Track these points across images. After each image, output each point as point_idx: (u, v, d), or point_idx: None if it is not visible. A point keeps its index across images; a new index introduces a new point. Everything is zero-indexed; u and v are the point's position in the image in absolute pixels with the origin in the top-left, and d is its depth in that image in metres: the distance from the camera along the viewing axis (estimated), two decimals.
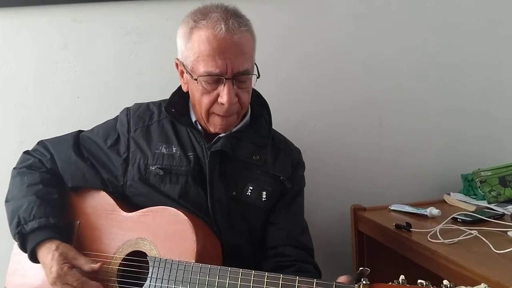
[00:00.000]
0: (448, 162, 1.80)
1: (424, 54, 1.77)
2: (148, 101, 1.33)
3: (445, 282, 0.83)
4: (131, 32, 1.60)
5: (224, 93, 1.14)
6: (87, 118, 1.51)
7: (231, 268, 1.00)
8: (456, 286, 0.82)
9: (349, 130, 1.74)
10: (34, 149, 1.31)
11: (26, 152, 1.31)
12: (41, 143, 1.32)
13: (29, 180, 1.22)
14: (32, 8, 1.55)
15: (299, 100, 1.71)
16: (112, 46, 1.60)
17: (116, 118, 1.31)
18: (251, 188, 1.22)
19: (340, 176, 1.74)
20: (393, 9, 1.74)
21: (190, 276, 1.03)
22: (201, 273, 1.02)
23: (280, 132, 1.37)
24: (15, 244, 1.20)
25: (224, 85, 1.14)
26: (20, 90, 1.58)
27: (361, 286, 0.86)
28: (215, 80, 1.14)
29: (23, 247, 1.16)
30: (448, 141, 1.81)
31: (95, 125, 1.33)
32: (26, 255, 1.16)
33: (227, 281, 0.99)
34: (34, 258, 1.15)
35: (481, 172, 1.64)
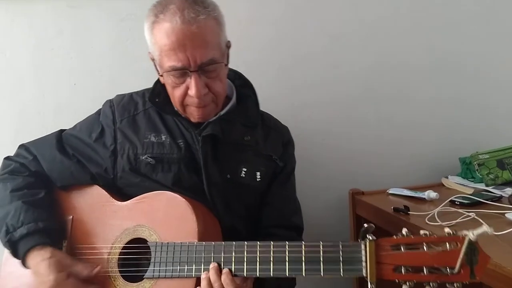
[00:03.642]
0: (446, 146, 1.80)
1: (422, 44, 1.76)
2: (130, 92, 1.31)
3: (447, 230, 0.85)
4: (127, 18, 1.58)
5: (192, 86, 1.12)
6: (84, 105, 1.50)
7: (236, 242, 1.00)
8: (457, 232, 0.84)
9: (347, 115, 1.74)
10: (16, 154, 1.28)
11: (7, 158, 1.27)
12: (22, 146, 1.29)
13: (12, 186, 1.19)
14: None
15: (297, 86, 1.70)
16: (108, 32, 1.59)
17: (98, 112, 1.29)
18: (245, 169, 1.22)
19: (338, 160, 1.74)
20: (391, 1, 1.73)
21: (194, 256, 1.03)
22: (205, 251, 1.02)
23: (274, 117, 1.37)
24: None
25: (191, 77, 1.12)
26: (15, 78, 1.57)
27: (367, 242, 0.87)
28: (181, 73, 1.12)
29: (15, 255, 1.13)
30: (446, 124, 1.81)
31: (78, 121, 1.31)
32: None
33: (233, 255, 1.00)
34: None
35: (479, 155, 1.64)
